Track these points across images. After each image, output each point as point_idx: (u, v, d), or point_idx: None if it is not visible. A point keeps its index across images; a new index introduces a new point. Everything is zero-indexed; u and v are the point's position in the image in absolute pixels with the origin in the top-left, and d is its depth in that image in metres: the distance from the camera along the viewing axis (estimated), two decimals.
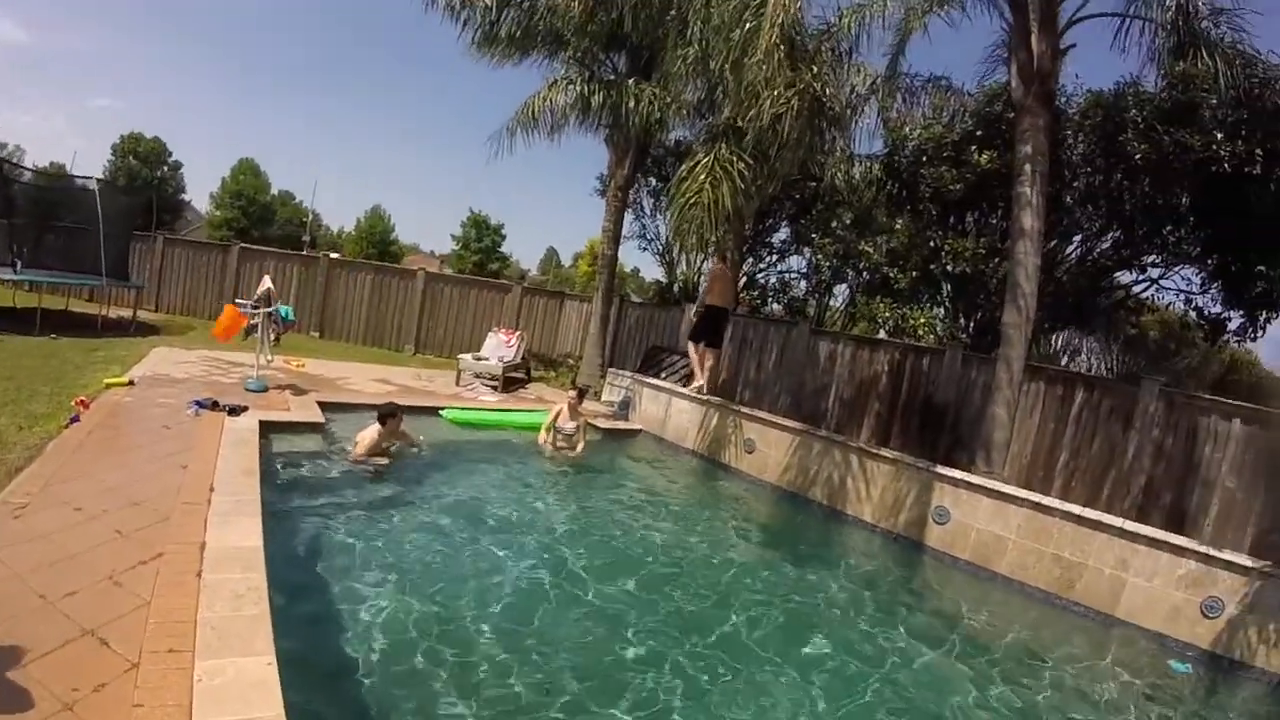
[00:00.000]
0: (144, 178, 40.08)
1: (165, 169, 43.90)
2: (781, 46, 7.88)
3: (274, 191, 50.08)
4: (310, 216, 49.41)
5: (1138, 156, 9.89)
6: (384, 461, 7.48)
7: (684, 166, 8.94)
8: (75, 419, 6.47)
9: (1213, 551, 6.36)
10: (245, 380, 9.05)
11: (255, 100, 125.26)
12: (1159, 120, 9.79)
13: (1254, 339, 11.30)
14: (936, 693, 4.91)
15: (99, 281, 12.96)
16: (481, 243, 52.04)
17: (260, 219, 45.93)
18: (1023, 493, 7.45)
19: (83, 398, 7.09)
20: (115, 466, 5.26)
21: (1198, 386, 11.50)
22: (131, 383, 8.24)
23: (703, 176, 8.37)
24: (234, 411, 7.49)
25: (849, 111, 9.72)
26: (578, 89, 12.24)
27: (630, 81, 12.21)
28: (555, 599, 5.27)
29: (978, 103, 11.48)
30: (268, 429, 7.31)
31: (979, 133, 11.38)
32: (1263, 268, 10.12)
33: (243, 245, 17.89)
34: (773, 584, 6.46)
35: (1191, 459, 8.72)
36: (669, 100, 11.68)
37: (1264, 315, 10.89)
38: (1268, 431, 8.09)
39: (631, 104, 11.89)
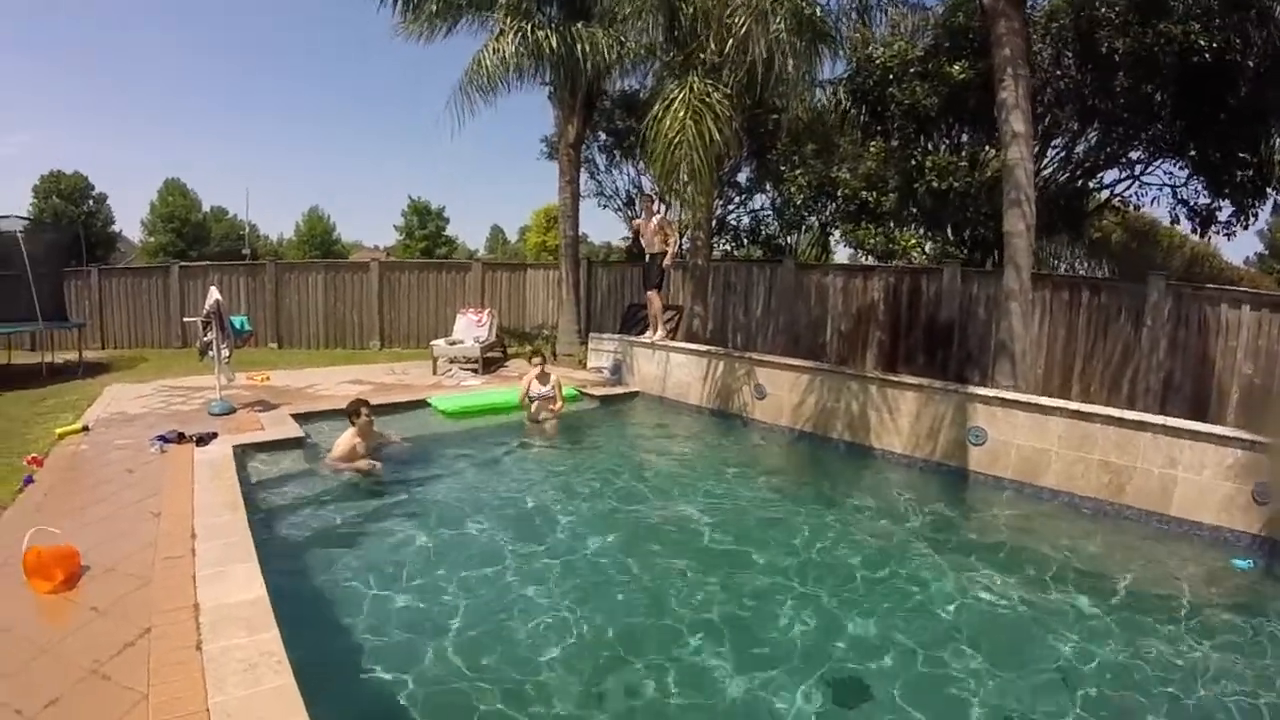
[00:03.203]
0: (70, 215, 37.92)
1: (91, 203, 41.47)
2: None
3: (206, 209, 48.12)
4: (247, 228, 47.43)
5: (1117, 52, 9.64)
6: (370, 466, 6.81)
7: (657, 105, 8.26)
8: (29, 480, 5.73)
9: (1256, 436, 6.06)
10: (208, 404, 8.29)
11: (174, 119, 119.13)
12: (1134, 13, 9.56)
13: (1245, 227, 11.35)
14: (1009, 612, 4.63)
15: (35, 326, 11.97)
16: (425, 229, 50.69)
17: (196, 238, 44.13)
18: (1060, 402, 7.11)
19: (34, 455, 6.32)
20: (79, 527, 4.56)
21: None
22: (86, 428, 7.43)
23: (682, 112, 7.71)
24: (202, 441, 6.76)
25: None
26: (530, 35, 11.26)
27: (579, 25, 11.37)
28: (590, 591, 4.76)
29: (938, 16, 11.12)
30: (243, 454, 6.63)
31: (947, 44, 10.97)
32: (1245, 155, 10.10)
33: (181, 264, 16.85)
34: (818, 527, 6.10)
35: (1206, 350, 8.63)
36: (623, 40, 10.88)
37: (1253, 203, 10.90)
38: None
39: (586, 47, 11.06)
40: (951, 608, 4.71)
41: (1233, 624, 4.69)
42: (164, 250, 40.87)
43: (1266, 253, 33.56)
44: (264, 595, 3.61)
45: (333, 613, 4.27)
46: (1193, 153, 10.85)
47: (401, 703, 3.48)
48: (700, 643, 4.12)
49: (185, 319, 11.68)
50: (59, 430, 7.33)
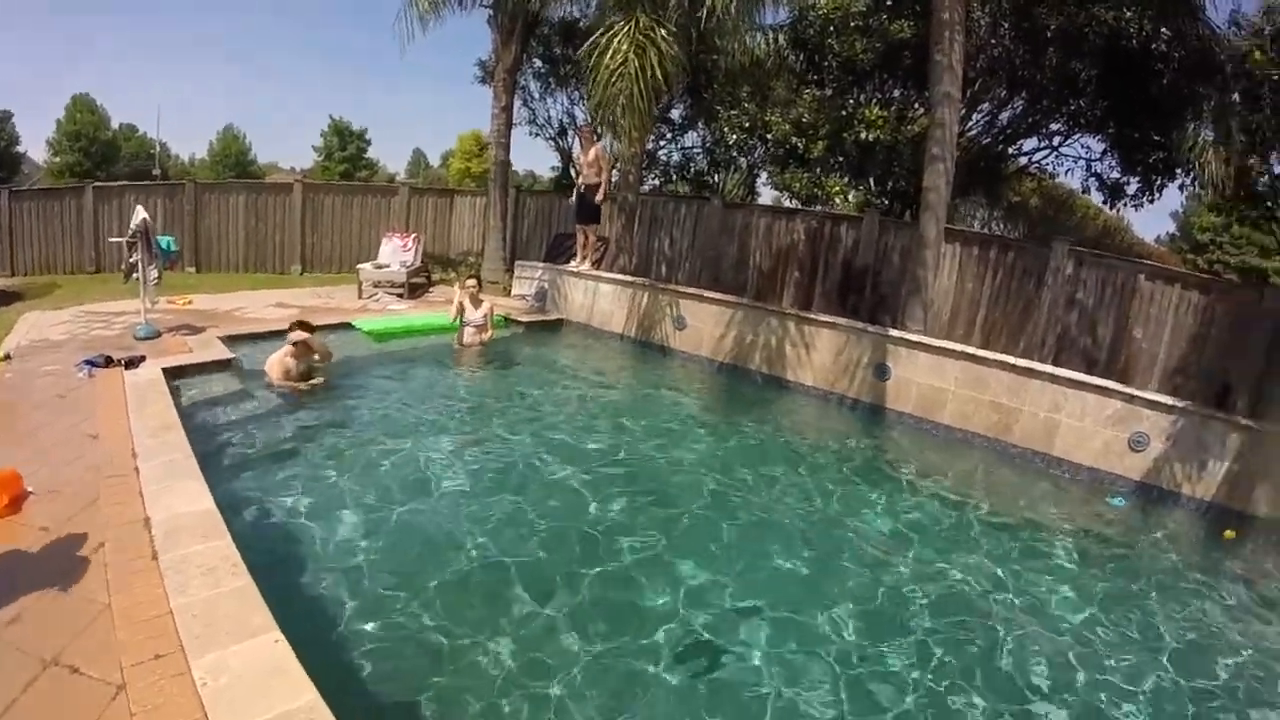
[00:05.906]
0: None
1: None
2: None
3: (115, 126, 45.13)
4: (157, 147, 44.82)
5: (1050, 29, 10.11)
6: (307, 386, 7.01)
7: (598, 36, 8.27)
8: None
9: (1136, 391, 6.76)
10: (133, 328, 8.14)
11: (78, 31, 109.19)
12: None
13: (1151, 202, 12.07)
14: (893, 532, 5.26)
15: None
16: (346, 150, 49.03)
17: (104, 158, 41.30)
18: (958, 346, 7.72)
19: None
20: (16, 453, 4.57)
21: None
22: (7, 357, 7.21)
23: (625, 46, 7.75)
24: (131, 364, 6.69)
25: None
26: None
27: None
28: (516, 498, 5.24)
29: None
30: (174, 376, 6.60)
31: (889, 2, 11.17)
32: (1159, 138, 10.75)
33: (96, 184, 15.91)
34: (728, 449, 6.72)
35: (1100, 312, 9.33)
36: None
37: (1159, 180, 11.63)
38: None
39: None
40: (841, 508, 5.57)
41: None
42: (70, 170, 38.28)
43: (1178, 234, 35.27)
44: (213, 507, 3.80)
45: (274, 522, 4.50)
46: (1110, 130, 11.54)
47: (347, 603, 3.78)
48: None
49: (110, 239, 11.22)
50: None
